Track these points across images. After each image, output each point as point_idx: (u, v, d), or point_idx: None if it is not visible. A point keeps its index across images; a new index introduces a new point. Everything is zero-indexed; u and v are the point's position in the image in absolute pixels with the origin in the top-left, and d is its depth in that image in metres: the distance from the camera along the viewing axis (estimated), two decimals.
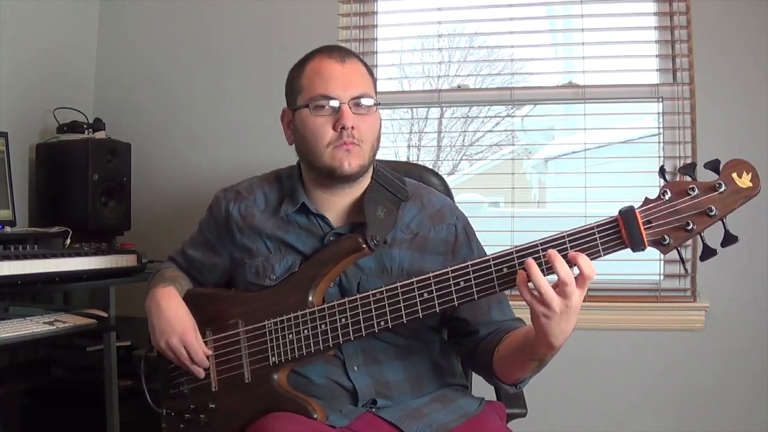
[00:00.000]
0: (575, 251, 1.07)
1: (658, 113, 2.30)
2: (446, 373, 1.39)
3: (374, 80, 1.35)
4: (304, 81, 1.31)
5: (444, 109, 2.55)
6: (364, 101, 1.28)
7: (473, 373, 1.53)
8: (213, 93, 2.53)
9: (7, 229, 1.94)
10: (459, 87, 2.48)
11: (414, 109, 2.57)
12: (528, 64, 2.46)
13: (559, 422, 2.25)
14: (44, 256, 1.76)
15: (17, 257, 1.68)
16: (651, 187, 2.26)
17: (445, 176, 1.90)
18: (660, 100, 2.29)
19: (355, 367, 1.28)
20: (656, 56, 2.32)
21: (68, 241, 1.97)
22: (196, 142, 2.54)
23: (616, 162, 2.46)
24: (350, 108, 1.26)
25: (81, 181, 2.17)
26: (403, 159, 2.52)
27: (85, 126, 2.29)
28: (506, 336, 1.25)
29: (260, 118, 2.47)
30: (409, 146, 2.59)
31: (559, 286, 1.05)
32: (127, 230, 2.34)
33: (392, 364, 1.30)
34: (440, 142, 2.60)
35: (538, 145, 2.58)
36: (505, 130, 2.51)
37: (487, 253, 1.36)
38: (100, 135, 2.29)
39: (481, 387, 1.46)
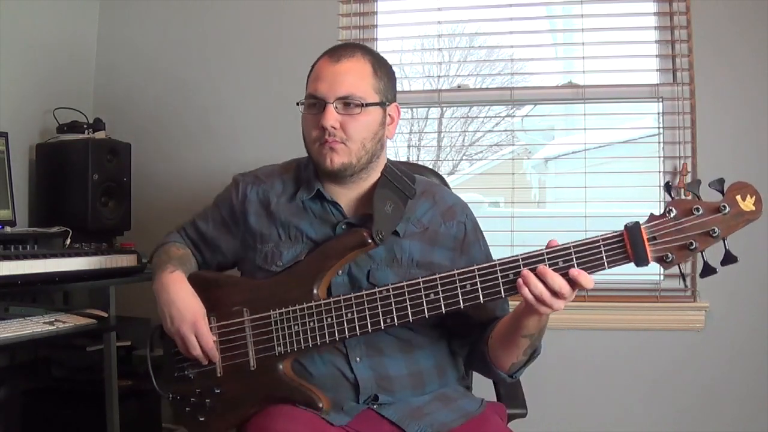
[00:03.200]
0: (576, 269, 1.12)
1: (658, 113, 2.31)
2: (449, 373, 1.39)
3: (381, 79, 1.34)
4: (308, 80, 1.35)
5: (444, 109, 2.55)
6: (351, 101, 1.29)
7: (473, 375, 1.53)
8: (213, 93, 2.53)
9: (7, 229, 1.94)
10: (459, 87, 2.48)
11: (414, 109, 2.56)
12: (528, 64, 2.46)
13: (559, 422, 2.25)
14: (44, 256, 1.76)
15: (17, 257, 1.68)
16: (651, 186, 2.28)
17: (445, 176, 1.90)
18: (660, 100, 2.29)
19: (358, 359, 1.29)
20: (656, 56, 2.32)
21: (68, 241, 1.97)
22: (196, 142, 2.54)
23: (616, 162, 2.46)
24: (336, 107, 1.29)
25: (81, 181, 2.16)
26: (403, 159, 2.52)
27: (85, 126, 2.29)
28: (497, 322, 1.30)
29: (260, 118, 2.48)
30: (409, 146, 2.59)
31: (557, 294, 1.12)
32: (127, 230, 2.34)
33: (395, 357, 1.31)
34: (440, 142, 2.60)
35: (538, 145, 2.58)
36: (505, 130, 2.51)
37: (491, 254, 1.42)
38: (100, 135, 2.28)
39: (482, 388, 1.46)
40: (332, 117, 1.28)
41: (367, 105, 1.30)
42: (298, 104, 1.34)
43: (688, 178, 2.22)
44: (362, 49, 1.36)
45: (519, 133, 2.49)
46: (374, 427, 1.24)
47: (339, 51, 1.33)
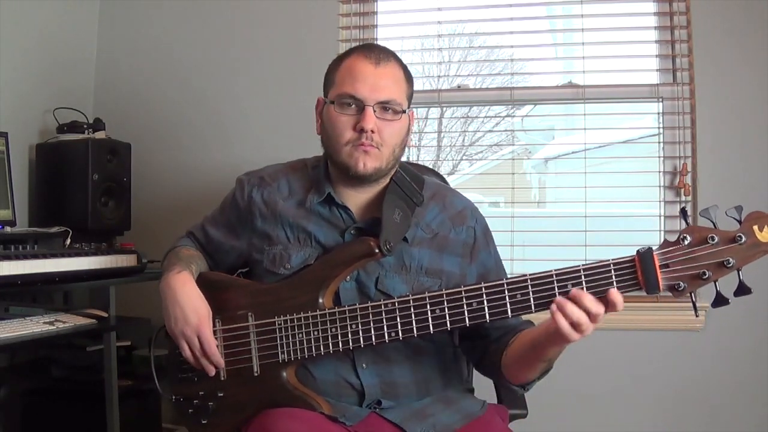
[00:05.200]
0: (617, 293, 1.11)
1: (658, 113, 2.30)
2: (453, 378, 1.39)
3: (410, 85, 1.36)
4: (338, 76, 1.32)
5: (444, 109, 2.55)
6: (390, 107, 1.29)
7: (474, 377, 1.53)
8: (213, 93, 2.53)
9: (7, 229, 1.94)
10: (459, 87, 2.48)
11: (414, 109, 2.55)
12: (528, 64, 2.46)
13: (560, 422, 2.25)
14: (44, 256, 1.76)
15: (17, 257, 1.68)
16: (651, 187, 2.28)
17: (445, 176, 1.90)
18: (660, 100, 2.29)
19: (364, 365, 1.29)
20: (656, 56, 2.32)
21: (68, 241, 1.97)
22: (196, 142, 2.54)
23: (616, 162, 2.46)
24: (375, 111, 1.27)
25: (81, 181, 2.16)
26: (403, 159, 2.52)
27: (85, 126, 2.29)
28: (515, 338, 1.28)
29: (261, 118, 2.48)
30: (409, 146, 2.58)
31: (591, 317, 1.10)
32: (127, 230, 2.34)
33: (402, 365, 1.30)
34: (440, 142, 2.60)
35: (538, 145, 2.58)
36: (505, 130, 2.51)
37: (500, 258, 1.42)
38: (100, 135, 2.28)
39: (484, 390, 1.46)
40: (372, 120, 1.27)
41: (402, 111, 1.31)
42: (332, 102, 1.30)
43: (688, 179, 2.22)
44: (393, 53, 1.36)
45: (519, 133, 2.49)
46: (376, 428, 1.23)
47: (375, 53, 1.31)
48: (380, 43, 2.47)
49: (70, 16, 2.51)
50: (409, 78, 1.36)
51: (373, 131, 1.27)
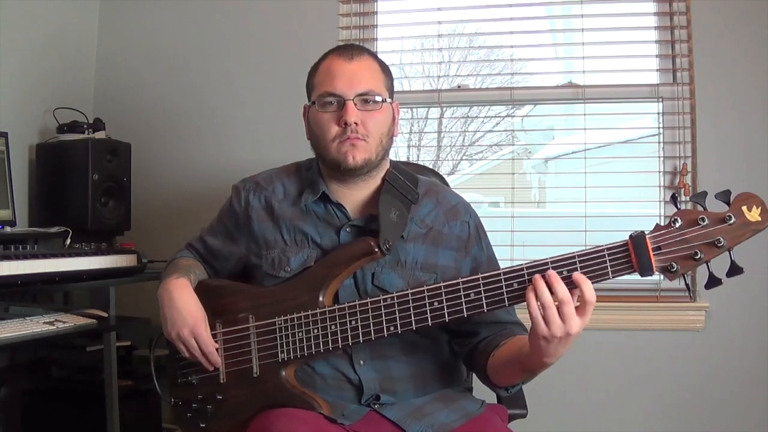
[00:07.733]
0: (580, 273, 1.10)
1: (658, 113, 2.31)
2: (451, 376, 1.40)
3: (388, 77, 1.38)
4: (317, 79, 1.36)
5: (444, 109, 2.55)
6: (370, 98, 1.31)
7: (474, 377, 1.53)
8: (213, 93, 2.53)
9: (7, 229, 1.94)
10: (459, 87, 2.48)
11: (414, 109, 2.57)
12: (528, 64, 2.46)
13: (560, 422, 2.25)
14: (44, 256, 1.76)
15: (17, 257, 1.68)
16: (651, 187, 2.28)
17: (445, 176, 1.90)
18: (660, 100, 2.29)
19: (362, 361, 1.29)
20: (656, 56, 2.32)
21: (68, 241, 1.97)
22: (196, 142, 2.54)
23: (616, 162, 2.46)
24: (356, 104, 1.29)
25: (81, 181, 2.16)
26: (403, 159, 2.53)
27: (85, 126, 2.29)
28: (504, 342, 1.29)
29: (260, 118, 2.48)
30: (409, 146, 2.59)
31: (559, 306, 1.08)
32: (127, 230, 2.34)
33: (398, 360, 1.31)
34: (440, 142, 2.60)
35: (538, 145, 2.58)
36: (505, 130, 2.51)
37: (494, 254, 1.42)
38: (100, 135, 2.28)
39: (483, 389, 1.46)
40: (355, 113, 1.29)
41: (383, 101, 1.33)
42: (313, 103, 1.33)
43: (688, 179, 2.22)
44: (366, 49, 1.39)
45: (519, 133, 2.49)
46: (375, 426, 1.24)
47: (348, 50, 1.35)
48: (380, 43, 2.48)
49: (70, 16, 2.51)
50: (385, 70, 1.38)
51: (356, 124, 1.29)
